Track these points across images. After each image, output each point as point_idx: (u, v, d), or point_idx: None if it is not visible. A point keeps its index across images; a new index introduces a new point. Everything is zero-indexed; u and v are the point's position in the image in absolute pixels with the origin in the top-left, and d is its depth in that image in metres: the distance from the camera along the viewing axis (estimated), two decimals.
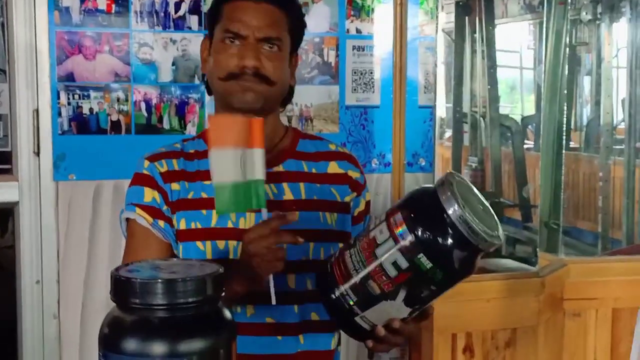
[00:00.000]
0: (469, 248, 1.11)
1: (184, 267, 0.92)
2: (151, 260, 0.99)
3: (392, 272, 1.14)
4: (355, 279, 1.17)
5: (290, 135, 1.52)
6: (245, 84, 1.38)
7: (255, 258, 1.25)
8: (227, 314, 0.91)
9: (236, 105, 1.40)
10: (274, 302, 1.30)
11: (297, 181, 1.45)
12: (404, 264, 1.13)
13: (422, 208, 1.14)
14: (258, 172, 1.26)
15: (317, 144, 1.53)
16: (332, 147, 1.54)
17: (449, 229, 1.10)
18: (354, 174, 1.51)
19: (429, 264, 1.12)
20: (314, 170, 1.48)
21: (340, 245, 1.29)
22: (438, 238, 1.11)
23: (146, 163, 1.44)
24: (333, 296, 1.20)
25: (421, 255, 1.11)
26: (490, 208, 1.21)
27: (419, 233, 1.11)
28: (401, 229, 1.13)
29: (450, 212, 1.10)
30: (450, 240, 1.11)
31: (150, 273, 0.90)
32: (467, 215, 1.09)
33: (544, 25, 2.71)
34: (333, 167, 1.50)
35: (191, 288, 0.86)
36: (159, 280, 0.86)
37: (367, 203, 1.54)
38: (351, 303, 1.19)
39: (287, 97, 1.51)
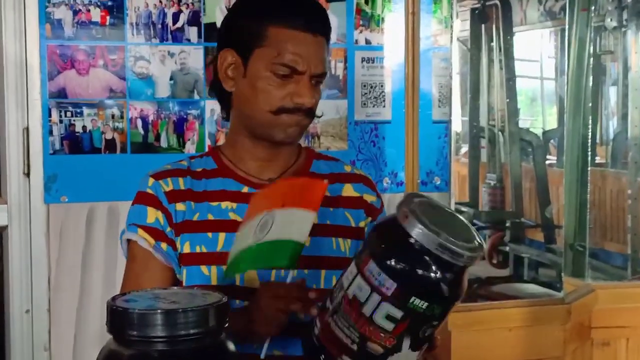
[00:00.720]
0: (455, 270, 1.09)
1: (186, 297, 0.92)
2: (150, 289, 1.00)
3: (389, 326, 1.11)
4: (353, 346, 1.13)
5: (304, 156, 1.53)
6: (296, 119, 1.40)
7: (261, 312, 1.28)
8: (231, 346, 0.91)
9: (277, 139, 1.43)
10: (262, 356, 1.31)
11: None
12: (398, 314, 1.10)
13: (393, 248, 1.11)
14: (303, 236, 1.27)
15: (332, 165, 1.54)
16: (348, 169, 1.56)
17: (430, 260, 1.08)
18: (369, 198, 1.52)
19: (424, 304, 1.09)
20: (328, 194, 1.48)
21: (313, 310, 1.23)
22: (422, 274, 1.08)
23: (150, 181, 1.45)
24: None
25: (413, 298, 1.09)
26: (460, 216, 1.19)
27: (401, 278, 1.09)
28: (380, 279, 1.10)
29: (425, 243, 1.07)
30: (434, 272, 1.08)
31: (148, 303, 0.90)
32: (443, 240, 1.07)
33: (566, 33, 2.71)
34: (348, 190, 1.51)
35: (193, 319, 0.86)
36: (158, 311, 0.86)
37: None
38: None
39: None
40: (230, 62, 1.44)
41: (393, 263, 1.09)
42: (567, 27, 2.69)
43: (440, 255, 1.07)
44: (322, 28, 1.41)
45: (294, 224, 1.26)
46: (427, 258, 1.08)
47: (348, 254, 1.46)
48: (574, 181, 2.48)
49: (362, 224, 1.50)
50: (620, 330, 2.39)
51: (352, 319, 1.13)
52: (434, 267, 1.08)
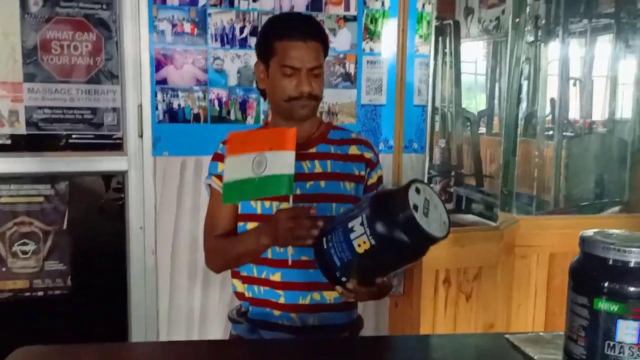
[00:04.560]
0: (412, 237, 1.07)
1: None
2: None
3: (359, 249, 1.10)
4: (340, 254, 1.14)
5: (324, 127, 1.52)
6: (303, 103, 1.40)
7: (280, 230, 1.26)
8: None
9: (296, 117, 1.42)
10: (290, 264, 1.32)
11: (325, 159, 1.46)
12: (369, 240, 1.08)
13: (388, 210, 1.09)
14: (289, 168, 1.24)
15: (342, 133, 1.54)
16: (353, 135, 1.54)
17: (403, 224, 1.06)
18: (368, 155, 1.51)
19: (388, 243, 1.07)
20: (339, 152, 1.48)
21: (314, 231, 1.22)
22: (397, 232, 1.07)
23: (220, 145, 1.48)
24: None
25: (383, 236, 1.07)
26: (443, 205, 1.15)
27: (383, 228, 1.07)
28: (369, 222, 1.09)
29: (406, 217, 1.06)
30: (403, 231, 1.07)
31: None
32: (418, 220, 1.04)
33: (508, 45, 2.67)
34: (353, 150, 1.50)
35: None
36: None
37: (379, 177, 1.53)
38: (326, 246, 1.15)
39: None
40: (261, 70, 1.45)
41: (382, 221, 1.08)
42: (508, 41, 2.64)
43: (410, 228, 1.06)
44: (311, 35, 1.39)
45: (283, 162, 1.24)
46: (404, 224, 1.07)
47: (352, 193, 1.45)
48: (509, 147, 2.47)
49: (362, 173, 1.49)
50: (534, 248, 2.41)
51: (343, 239, 1.13)
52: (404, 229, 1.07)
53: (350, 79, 2.49)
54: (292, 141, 1.26)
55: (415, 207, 1.07)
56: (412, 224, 1.06)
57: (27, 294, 2.31)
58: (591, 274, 1.03)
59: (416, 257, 1.14)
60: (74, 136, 2.27)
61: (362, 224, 1.10)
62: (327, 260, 1.16)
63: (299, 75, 1.37)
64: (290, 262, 1.36)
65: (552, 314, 2.44)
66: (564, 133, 4.07)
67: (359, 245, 1.10)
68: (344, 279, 1.17)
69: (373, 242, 1.08)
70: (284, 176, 1.24)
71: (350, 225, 1.12)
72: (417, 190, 1.10)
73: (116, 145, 2.31)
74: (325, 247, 1.17)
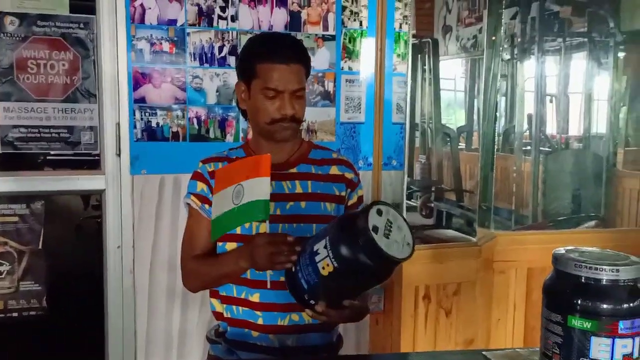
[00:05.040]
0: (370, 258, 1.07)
1: None
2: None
3: (324, 271, 1.10)
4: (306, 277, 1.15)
5: (306, 146, 1.52)
6: (285, 125, 1.39)
7: (258, 255, 1.27)
8: None
9: (278, 139, 1.42)
10: (268, 286, 1.33)
11: (306, 180, 1.46)
12: (333, 263, 1.09)
13: (350, 235, 1.09)
14: (264, 194, 1.25)
15: (324, 153, 1.53)
16: (334, 155, 1.54)
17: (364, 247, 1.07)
18: (349, 175, 1.51)
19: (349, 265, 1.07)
20: (320, 172, 1.48)
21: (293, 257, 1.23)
22: (359, 255, 1.07)
23: (200, 164, 1.47)
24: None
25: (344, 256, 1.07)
26: (407, 225, 1.14)
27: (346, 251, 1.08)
28: (334, 246, 1.10)
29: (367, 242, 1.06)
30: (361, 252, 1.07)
31: None
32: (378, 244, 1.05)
33: (484, 62, 2.70)
34: (334, 170, 1.50)
35: None
36: None
37: (360, 197, 1.53)
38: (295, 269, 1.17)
39: None
40: (242, 90, 1.44)
41: (345, 245, 1.08)
42: (484, 59, 2.68)
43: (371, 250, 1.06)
44: (294, 58, 1.39)
45: (258, 188, 1.25)
46: (365, 249, 1.07)
47: (332, 213, 1.45)
48: (488, 163, 2.49)
49: (343, 193, 1.49)
50: (512, 263, 2.42)
51: (309, 262, 1.13)
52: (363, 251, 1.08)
53: (329, 97, 2.50)
54: (267, 167, 1.26)
55: (375, 229, 1.06)
56: (371, 246, 1.05)
57: (1, 315, 2.26)
58: (564, 292, 1.05)
59: (380, 278, 1.14)
60: (50, 155, 2.24)
61: (325, 246, 1.10)
62: (296, 282, 1.17)
63: (282, 98, 1.37)
64: (269, 284, 1.35)
65: (531, 328, 2.45)
66: (541, 148, 4.13)
67: (323, 268, 1.10)
68: (312, 301, 1.17)
69: (336, 264, 1.09)
70: (259, 201, 1.25)
71: (315, 248, 1.12)
72: (379, 212, 1.10)
73: (93, 164, 2.29)
74: (293, 270, 1.18)
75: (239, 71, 1.45)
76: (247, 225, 1.39)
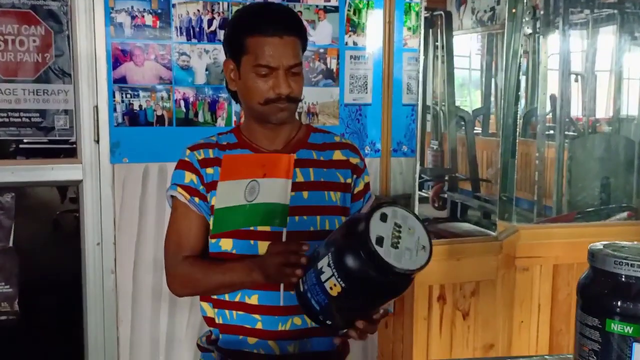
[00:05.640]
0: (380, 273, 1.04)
1: None
2: None
3: (331, 291, 1.08)
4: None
5: (304, 130, 1.48)
6: (280, 106, 1.35)
7: (271, 266, 1.24)
8: None
9: (273, 122, 1.38)
10: (281, 302, 1.30)
11: (307, 167, 1.42)
12: (340, 282, 1.06)
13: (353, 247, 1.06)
14: (284, 198, 1.23)
15: (325, 137, 1.49)
16: (337, 139, 1.50)
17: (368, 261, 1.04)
18: (354, 160, 1.48)
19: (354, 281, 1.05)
20: (322, 158, 1.45)
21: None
22: (368, 271, 1.04)
23: (187, 152, 1.42)
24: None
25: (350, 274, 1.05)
26: (423, 226, 1.10)
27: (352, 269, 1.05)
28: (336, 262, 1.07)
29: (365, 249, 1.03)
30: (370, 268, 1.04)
31: None
32: (383, 258, 1.01)
33: (504, 36, 2.65)
34: (337, 155, 1.46)
35: None
36: None
37: (366, 184, 1.50)
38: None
39: None
40: (231, 69, 1.40)
41: (350, 259, 1.05)
42: (505, 33, 2.63)
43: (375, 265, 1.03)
44: (288, 30, 1.34)
45: (277, 190, 1.24)
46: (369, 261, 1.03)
47: (338, 203, 1.42)
48: (508, 149, 2.46)
49: (349, 181, 1.45)
50: (536, 260, 2.40)
51: (315, 282, 1.10)
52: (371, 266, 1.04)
53: (331, 76, 2.46)
54: (289, 168, 1.24)
55: (380, 241, 1.02)
56: (378, 262, 1.01)
57: None
58: (602, 292, 1.01)
59: (396, 292, 1.10)
60: (23, 143, 2.21)
61: (329, 264, 1.07)
62: (307, 303, 1.13)
63: (276, 75, 1.33)
64: (268, 284, 1.33)
65: (557, 332, 2.43)
66: (566, 133, 4.09)
67: (331, 288, 1.07)
68: (328, 322, 1.14)
69: (343, 284, 1.05)
70: (277, 205, 1.22)
71: (319, 266, 1.09)
72: (383, 217, 1.05)
73: (69, 152, 2.26)
74: (302, 289, 1.14)
75: (227, 48, 1.42)
76: None
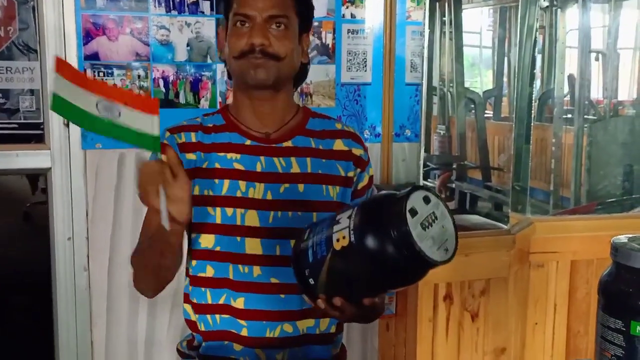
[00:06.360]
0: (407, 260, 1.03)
1: None
2: None
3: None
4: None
5: (301, 114, 1.45)
6: (255, 61, 1.32)
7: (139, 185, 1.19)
8: None
9: (250, 83, 1.35)
10: (166, 227, 1.18)
11: (304, 156, 1.39)
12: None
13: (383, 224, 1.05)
14: (154, 129, 1.16)
15: (325, 123, 1.46)
16: (339, 126, 1.47)
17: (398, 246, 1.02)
18: (357, 151, 1.45)
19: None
20: (320, 147, 1.42)
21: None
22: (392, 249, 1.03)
23: (167, 134, 1.39)
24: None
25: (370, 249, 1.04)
26: (452, 222, 1.10)
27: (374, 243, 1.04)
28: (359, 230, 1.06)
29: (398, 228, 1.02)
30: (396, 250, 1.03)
31: None
32: (415, 242, 1.01)
33: (519, 10, 2.63)
34: (338, 145, 1.43)
35: None
36: None
37: (370, 178, 1.48)
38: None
39: (301, 75, 1.44)
40: (222, 36, 1.40)
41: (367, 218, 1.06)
42: (519, 7, 2.60)
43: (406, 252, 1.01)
44: None
45: (144, 122, 1.15)
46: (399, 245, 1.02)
47: (335, 199, 1.39)
48: (522, 134, 2.44)
49: (350, 174, 1.42)
50: (552, 255, 2.38)
51: (325, 229, 1.11)
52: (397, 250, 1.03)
53: (327, 53, 2.44)
54: (155, 107, 1.15)
55: (413, 212, 1.02)
56: (398, 225, 1.01)
57: None
58: (626, 291, 0.99)
59: (395, 276, 1.08)
60: None
61: (349, 216, 1.08)
62: (301, 251, 1.15)
63: (254, 26, 1.32)
64: (256, 285, 1.32)
65: (575, 334, 2.42)
66: (585, 116, 4.08)
67: (338, 240, 1.08)
68: (311, 280, 1.14)
69: (352, 238, 1.06)
70: (147, 135, 1.17)
71: (338, 217, 1.11)
72: (427, 200, 1.05)
73: (36, 137, 2.24)
74: (305, 236, 1.16)
75: (220, 8, 1.43)
76: (229, 212, 1.34)
